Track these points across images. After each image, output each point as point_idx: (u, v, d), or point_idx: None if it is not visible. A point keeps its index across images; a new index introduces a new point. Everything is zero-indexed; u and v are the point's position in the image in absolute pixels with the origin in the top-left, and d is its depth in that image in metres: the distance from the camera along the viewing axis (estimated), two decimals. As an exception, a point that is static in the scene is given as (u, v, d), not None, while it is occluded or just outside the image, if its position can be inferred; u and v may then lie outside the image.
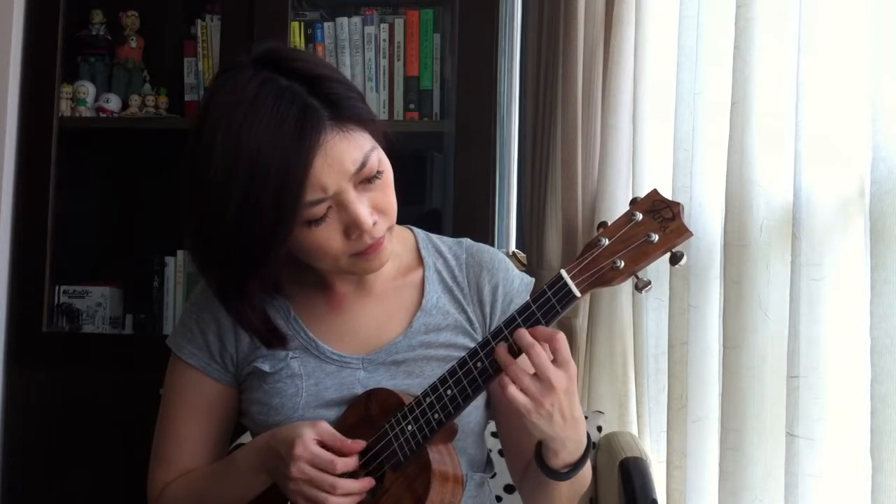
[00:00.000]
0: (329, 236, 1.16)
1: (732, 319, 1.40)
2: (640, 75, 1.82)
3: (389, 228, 1.20)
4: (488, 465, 1.39)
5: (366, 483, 1.18)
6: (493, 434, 1.48)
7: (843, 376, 1.20)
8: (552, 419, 1.10)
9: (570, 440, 1.14)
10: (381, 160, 1.18)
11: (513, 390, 1.09)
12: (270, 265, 1.18)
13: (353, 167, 1.14)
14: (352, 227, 1.16)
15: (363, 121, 1.17)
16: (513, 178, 2.40)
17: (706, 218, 1.56)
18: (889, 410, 1.07)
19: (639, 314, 1.81)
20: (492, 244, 2.15)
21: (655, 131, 1.79)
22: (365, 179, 1.16)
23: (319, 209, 1.14)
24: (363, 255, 1.19)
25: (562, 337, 1.10)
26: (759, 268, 1.36)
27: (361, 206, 1.15)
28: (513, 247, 2.38)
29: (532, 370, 1.10)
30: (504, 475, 1.62)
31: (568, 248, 2.06)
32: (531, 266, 2.12)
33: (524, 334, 1.10)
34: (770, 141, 1.36)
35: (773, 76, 1.36)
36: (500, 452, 1.66)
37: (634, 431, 1.85)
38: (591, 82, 2.00)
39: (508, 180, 2.39)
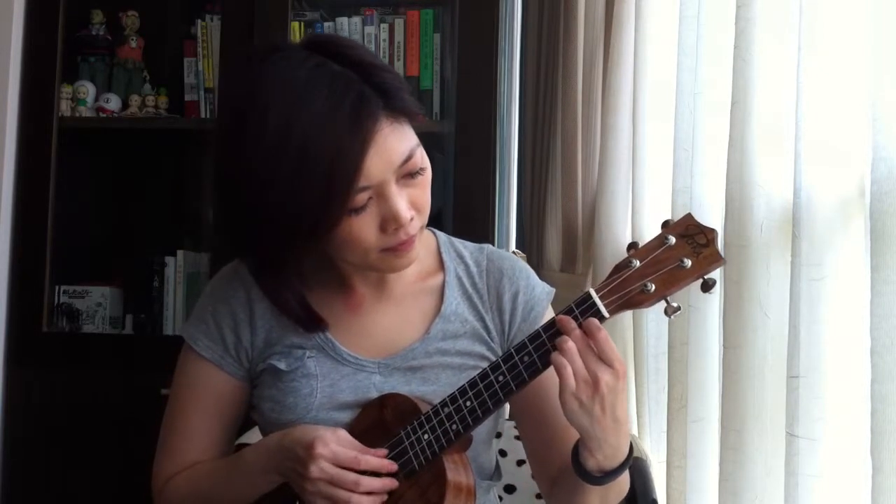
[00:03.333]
0: (365, 228, 1.15)
1: (732, 319, 1.40)
2: (640, 75, 1.82)
3: (421, 228, 1.20)
4: (496, 472, 1.38)
5: (388, 483, 1.17)
6: (496, 435, 1.48)
7: (843, 376, 1.20)
8: (591, 413, 1.08)
9: (607, 443, 1.11)
10: (423, 157, 1.18)
11: (568, 373, 1.08)
12: (309, 250, 1.18)
13: (399, 159, 1.14)
14: (389, 220, 1.15)
15: (412, 114, 1.17)
16: (513, 178, 2.40)
17: (706, 218, 1.55)
18: (889, 410, 1.07)
19: (639, 314, 1.81)
20: (492, 244, 2.15)
21: (655, 131, 1.79)
22: (407, 174, 1.16)
23: (361, 198, 1.13)
24: (393, 250, 1.18)
25: (604, 336, 1.09)
26: (759, 268, 1.36)
27: (401, 200, 1.15)
28: (513, 247, 2.38)
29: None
30: (504, 476, 1.62)
31: (568, 248, 2.06)
32: (531, 266, 2.12)
33: (567, 320, 1.09)
34: (770, 141, 1.36)
35: (773, 76, 1.36)
36: (500, 452, 1.66)
37: (634, 431, 1.85)
38: (591, 82, 2.00)
39: (508, 180, 2.39)
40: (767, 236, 1.36)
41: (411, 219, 1.16)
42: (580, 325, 1.09)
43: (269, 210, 1.12)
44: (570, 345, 1.08)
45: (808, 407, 1.22)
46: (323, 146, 1.09)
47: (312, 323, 1.27)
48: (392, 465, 1.18)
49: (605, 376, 1.08)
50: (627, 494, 1.52)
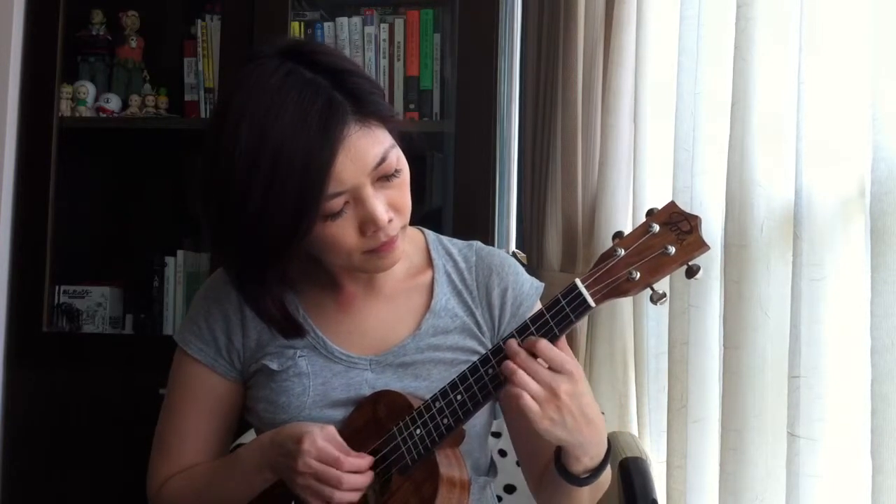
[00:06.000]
0: (344, 231, 1.16)
1: (732, 319, 1.40)
2: (641, 75, 1.82)
3: (403, 228, 1.21)
4: (491, 468, 1.38)
5: (369, 477, 1.18)
6: (493, 434, 1.48)
7: (843, 376, 1.20)
8: (565, 424, 1.09)
9: (590, 444, 1.13)
10: (399, 158, 1.19)
11: (526, 399, 1.07)
12: (289, 257, 1.19)
13: (372, 163, 1.14)
14: (367, 223, 1.16)
15: (384, 117, 1.17)
16: (513, 178, 2.40)
17: (706, 218, 1.55)
18: (889, 410, 1.07)
19: (639, 314, 1.81)
20: (492, 244, 2.15)
21: (656, 131, 1.79)
22: (383, 176, 1.16)
23: (337, 203, 1.14)
24: (376, 252, 1.19)
25: (543, 344, 1.09)
26: (759, 268, 1.36)
27: (378, 203, 1.16)
28: (513, 247, 2.38)
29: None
30: (504, 475, 1.62)
31: (568, 248, 2.06)
32: (531, 266, 2.12)
33: (511, 343, 1.10)
34: (770, 141, 1.36)
35: (774, 76, 1.36)
36: (500, 452, 1.66)
37: (634, 431, 1.85)
38: (591, 82, 2.00)
39: (508, 180, 2.39)
40: (767, 236, 1.36)
41: (390, 220, 1.17)
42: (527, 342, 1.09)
43: (248, 217, 1.13)
44: (520, 374, 1.08)
45: (808, 407, 1.22)
46: (294, 153, 1.10)
47: (291, 329, 1.28)
48: (371, 460, 1.19)
49: (562, 385, 1.08)
50: (627, 494, 1.52)
